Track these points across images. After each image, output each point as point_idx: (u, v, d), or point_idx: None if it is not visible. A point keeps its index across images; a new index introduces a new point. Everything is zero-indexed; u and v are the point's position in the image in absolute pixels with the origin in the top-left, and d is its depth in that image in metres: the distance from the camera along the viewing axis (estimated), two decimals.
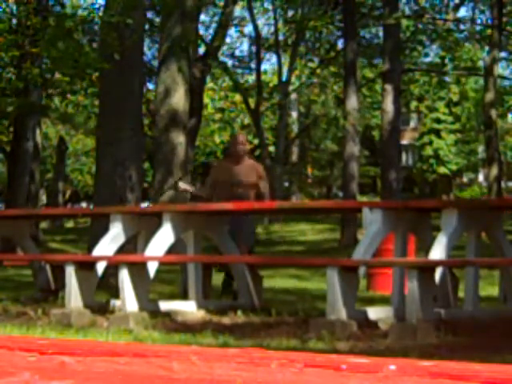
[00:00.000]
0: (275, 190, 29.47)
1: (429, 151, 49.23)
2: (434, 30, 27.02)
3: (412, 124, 53.92)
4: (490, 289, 9.85)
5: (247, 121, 41.82)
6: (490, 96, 23.48)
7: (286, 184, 41.97)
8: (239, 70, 34.13)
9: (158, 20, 22.57)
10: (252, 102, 30.93)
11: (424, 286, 5.74)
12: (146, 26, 19.46)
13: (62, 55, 11.19)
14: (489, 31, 25.30)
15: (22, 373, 2.77)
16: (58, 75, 15.01)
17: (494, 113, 23.57)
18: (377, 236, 6.37)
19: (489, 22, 26.68)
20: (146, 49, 24.20)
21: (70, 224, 36.54)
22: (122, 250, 7.62)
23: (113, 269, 7.86)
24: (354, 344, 5.45)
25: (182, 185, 9.68)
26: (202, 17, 31.16)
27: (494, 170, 23.39)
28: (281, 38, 32.03)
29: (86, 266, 7.31)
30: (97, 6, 12.51)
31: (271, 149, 38.03)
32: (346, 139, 20.94)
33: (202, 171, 41.05)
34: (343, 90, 22.26)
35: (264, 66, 58.57)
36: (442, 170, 48.96)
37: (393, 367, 2.87)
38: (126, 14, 10.88)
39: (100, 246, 7.48)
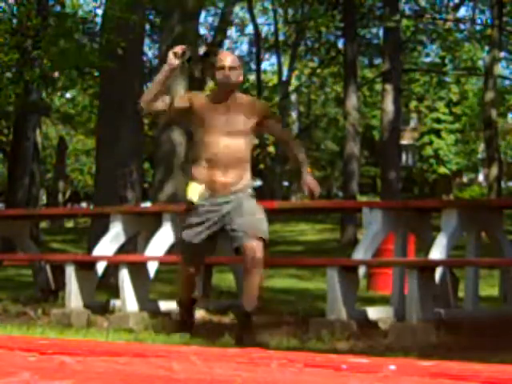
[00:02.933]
0: (275, 190, 29.48)
1: (429, 151, 49.19)
2: (434, 29, 27.01)
3: (412, 124, 53.87)
4: (489, 289, 9.85)
5: None
6: (489, 96, 23.46)
7: (286, 184, 41.96)
8: None
9: (158, 20, 22.60)
10: None
11: (424, 286, 5.74)
12: (147, 26, 19.45)
13: (63, 55, 11.18)
14: (489, 31, 25.29)
15: (22, 373, 2.77)
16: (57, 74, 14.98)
17: (494, 113, 23.56)
18: (377, 236, 6.37)
19: (489, 21, 26.67)
20: (146, 49, 24.24)
21: (70, 224, 36.54)
22: (122, 249, 7.62)
23: (113, 269, 7.86)
24: (354, 344, 5.45)
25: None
26: (203, 17, 31.20)
27: (494, 170, 23.37)
28: (281, 38, 32.05)
29: (85, 266, 7.31)
30: (97, 3, 12.43)
31: (271, 149, 38.02)
32: (346, 139, 20.93)
33: None
34: (343, 89, 22.25)
35: (264, 66, 58.59)
36: (442, 170, 48.91)
37: (393, 367, 2.87)
38: (128, 11, 10.87)
39: (100, 246, 7.48)
